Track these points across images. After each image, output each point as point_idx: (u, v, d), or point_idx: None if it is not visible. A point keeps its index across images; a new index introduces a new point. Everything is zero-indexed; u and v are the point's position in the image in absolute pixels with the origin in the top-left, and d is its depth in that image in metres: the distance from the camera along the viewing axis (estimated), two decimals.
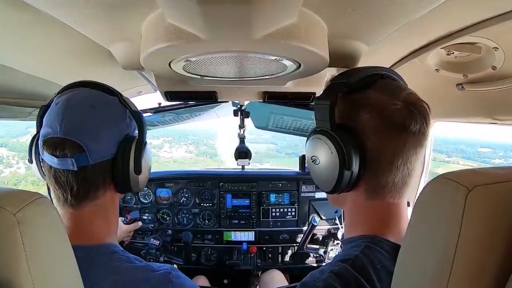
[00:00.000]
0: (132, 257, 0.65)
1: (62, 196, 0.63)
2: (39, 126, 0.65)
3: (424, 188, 0.41)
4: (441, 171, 0.41)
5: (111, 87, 0.70)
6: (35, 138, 0.67)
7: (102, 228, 0.67)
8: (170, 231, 1.90)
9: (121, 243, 1.65)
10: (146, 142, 0.71)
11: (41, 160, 0.65)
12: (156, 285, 0.61)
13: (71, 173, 0.61)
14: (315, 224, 1.63)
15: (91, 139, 0.61)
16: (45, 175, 0.66)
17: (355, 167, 0.58)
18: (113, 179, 0.67)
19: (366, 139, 0.58)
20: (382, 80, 0.63)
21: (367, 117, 0.58)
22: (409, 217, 0.44)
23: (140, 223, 1.65)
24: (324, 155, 0.61)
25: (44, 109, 0.65)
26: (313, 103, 0.68)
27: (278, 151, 17.08)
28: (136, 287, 0.60)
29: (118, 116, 0.67)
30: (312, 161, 0.65)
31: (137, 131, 0.71)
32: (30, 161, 0.70)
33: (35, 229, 0.42)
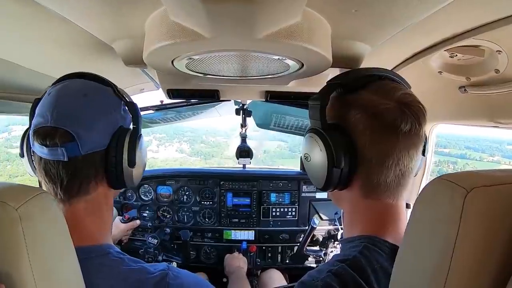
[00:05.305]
0: (127, 259, 0.62)
1: (53, 191, 0.61)
2: (32, 118, 0.62)
3: (423, 189, 0.41)
4: None
5: (105, 78, 0.68)
6: (27, 131, 0.65)
7: (95, 228, 0.64)
8: (168, 230, 1.90)
9: (120, 242, 1.65)
10: (141, 134, 0.69)
11: (32, 153, 0.63)
12: None
13: (61, 164, 0.59)
14: (314, 226, 1.62)
15: (82, 128, 0.59)
16: (36, 168, 0.63)
17: (344, 164, 0.59)
18: (106, 172, 0.64)
19: (356, 139, 0.59)
20: (379, 81, 0.63)
21: (358, 117, 0.59)
22: (408, 219, 0.44)
23: (138, 222, 1.65)
24: (314, 152, 0.62)
25: (37, 102, 0.63)
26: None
27: (290, 149, 14.66)
28: None
29: (112, 106, 0.65)
30: (305, 159, 0.67)
31: (132, 124, 0.69)
32: (22, 155, 0.68)
33: (36, 224, 0.42)
